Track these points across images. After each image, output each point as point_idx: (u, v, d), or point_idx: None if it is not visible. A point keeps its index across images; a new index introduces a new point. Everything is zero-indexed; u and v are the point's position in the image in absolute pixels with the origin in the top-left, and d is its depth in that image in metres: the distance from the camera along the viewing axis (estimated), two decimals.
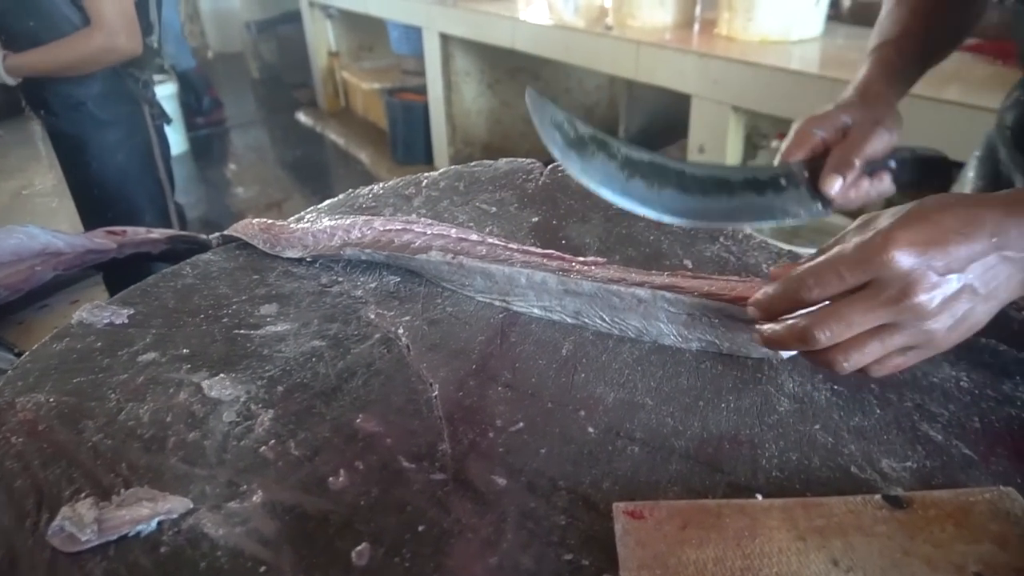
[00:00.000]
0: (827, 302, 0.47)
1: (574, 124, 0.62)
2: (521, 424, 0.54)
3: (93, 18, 1.52)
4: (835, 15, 2.21)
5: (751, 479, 0.49)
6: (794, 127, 0.65)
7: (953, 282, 0.44)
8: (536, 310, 0.66)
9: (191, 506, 0.47)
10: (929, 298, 0.44)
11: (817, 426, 0.53)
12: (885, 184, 0.64)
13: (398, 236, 0.71)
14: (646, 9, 2.26)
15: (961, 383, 0.57)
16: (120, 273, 1.03)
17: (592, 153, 0.62)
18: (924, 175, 0.66)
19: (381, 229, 0.73)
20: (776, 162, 0.65)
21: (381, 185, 0.93)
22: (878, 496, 0.45)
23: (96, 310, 0.67)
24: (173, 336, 0.64)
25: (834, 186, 0.61)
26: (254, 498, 0.48)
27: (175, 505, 0.47)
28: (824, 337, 0.46)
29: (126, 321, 0.66)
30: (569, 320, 0.65)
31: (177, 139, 4.12)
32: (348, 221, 0.74)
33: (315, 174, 4.07)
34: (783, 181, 0.63)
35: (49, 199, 1.32)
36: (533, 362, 0.60)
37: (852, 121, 0.63)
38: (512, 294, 0.67)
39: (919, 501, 0.44)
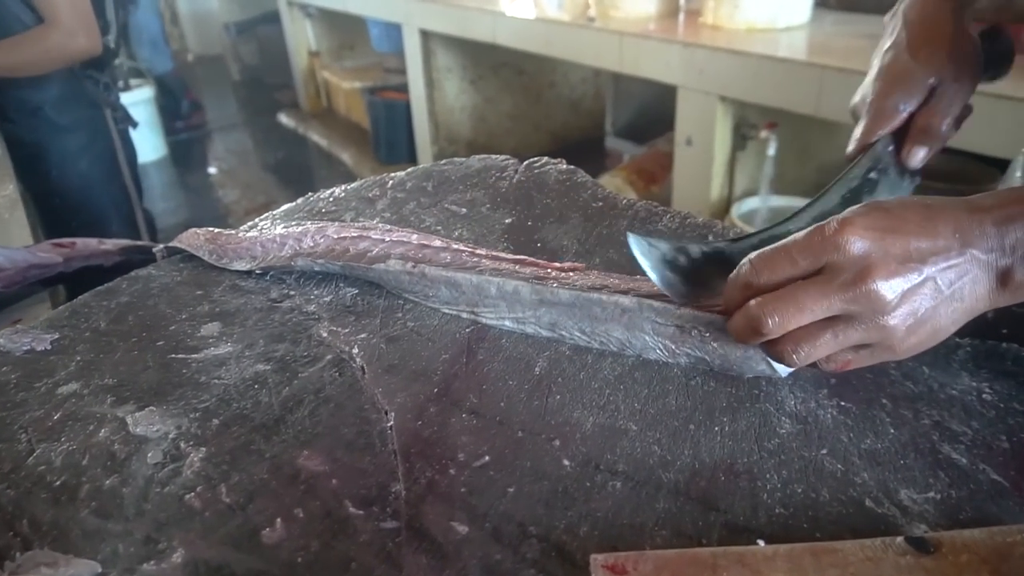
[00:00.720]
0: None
1: (685, 251, 0.55)
2: (487, 458, 0.47)
3: (48, 16, 1.44)
4: (822, 1, 2.16)
5: (751, 518, 0.42)
6: (872, 101, 0.57)
7: (913, 274, 0.41)
8: (508, 322, 0.60)
9: (99, 570, 0.40)
10: (887, 286, 0.40)
11: (824, 451, 0.47)
12: None
13: (354, 244, 0.64)
14: None
15: (984, 395, 0.51)
16: (78, 289, 0.96)
17: (711, 273, 0.55)
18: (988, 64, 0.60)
19: (335, 237, 0.66)
20: (852, 146, 0.58)
21: (343, 187, 0.86)
22: (900, 538, 0.38)
23: (16, 335, 0.60)
24: (100, 363, 0.57)
25: (918, 157, 0.55)
26: (174, 557, 0.41)
27: (79, 570, 0.40)
28: (772, 323, 0.42)
29: (48, 347, 0.59)
30: (544, 333, 0.59)
31: (156, 143, 4.04)
32: (300, 229, 0.68)
33: (298, 176, 3.99)
34: (873, 174, 0.57)
35: (3, 211, 1.24)
36: (502, 383, 0.54)
37: (937, 81, 0.56)
38: (481, 305, 0.60)
39: (948, 543, 0.38)
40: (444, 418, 0.50)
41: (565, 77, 3.57)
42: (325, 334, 0.60)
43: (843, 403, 0.51)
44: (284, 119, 4.69)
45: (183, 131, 4.45)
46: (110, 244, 0.98)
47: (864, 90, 0.59)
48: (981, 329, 0.60)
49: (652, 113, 2.93)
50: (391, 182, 0.87)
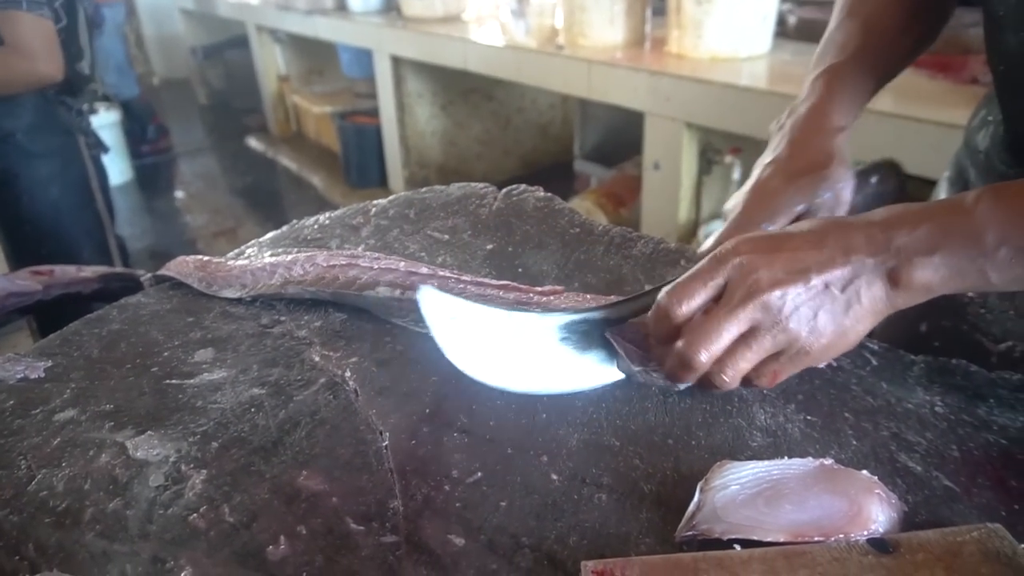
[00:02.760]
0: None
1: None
2: (479, 474, 0.49)
3: (8, 41, 1.43)
4: (782, 32, 2.25)
5: None
6: (738, 214, 0.58)
7: (800, 282, 0.45)
8: None
9: None
10: (776, 294, 0.45)
11: None
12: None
13: (343, 272, 0.67)
14: (596, 28, 2.26)
15: (936, 408, 0.55)
16: (54, 317, 0.96)
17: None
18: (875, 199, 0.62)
19: (325, 265, 0.68)
20: (705, 247, 0.58)
21: (327, 215, 0.88)
22: (862, 540, 0.42)
23: (8, 363, 0.61)
24: (95, 390, 0.59)
25: None
26: (182, 575, 0.43)
27: None
28: (704, 356, 0.46)
29: (42, 375, 0.60)
30: None
31: (122, 167, 4.00)
32: (289, 257, 0.70)
33: (267, 200, 3.98)
34: None
35: None
36: (491, 403, 0.56)
37: (805, 209, 0.57)
38: None
39: (906, 544, 0.41)
40: (437, 437, 0.53)
41: (534, 102, 3.64)
42: (317, 358, 0.62)
43: (809, 417, 0.54)
44: (253, 143, 4.68)
45: (148, 155, 4.42)
46: (88, 271, 0.99)
47: (738, 197, 0.60)
48: (914, 342, 0.65)
49: (619, 137, 3.00)
50: (374, 210, 0.89)
